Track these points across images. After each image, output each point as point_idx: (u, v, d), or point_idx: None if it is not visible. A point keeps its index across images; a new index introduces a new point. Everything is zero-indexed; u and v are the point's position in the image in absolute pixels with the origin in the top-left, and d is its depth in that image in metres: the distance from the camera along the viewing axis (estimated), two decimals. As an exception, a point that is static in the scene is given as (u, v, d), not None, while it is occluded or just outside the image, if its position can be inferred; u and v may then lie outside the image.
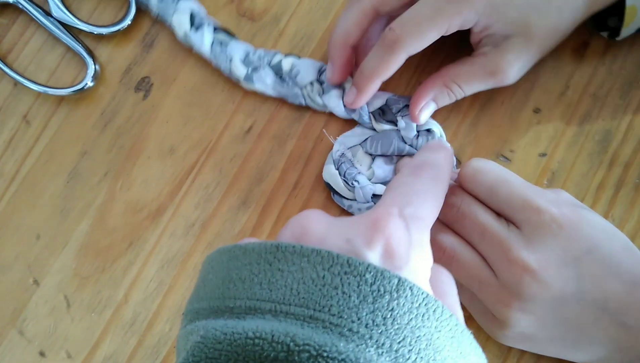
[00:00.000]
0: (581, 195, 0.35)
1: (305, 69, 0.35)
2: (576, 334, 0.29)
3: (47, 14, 0.36)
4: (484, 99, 0.36)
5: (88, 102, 0.36)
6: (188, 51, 0.37)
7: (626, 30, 0.34)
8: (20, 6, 0.36)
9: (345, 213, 0.35)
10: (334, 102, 0.35)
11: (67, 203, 0.36)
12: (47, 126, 0.36)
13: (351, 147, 0.35)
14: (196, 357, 0.19)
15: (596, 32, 0.36)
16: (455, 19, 0.30)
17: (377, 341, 0.19)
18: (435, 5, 0.30)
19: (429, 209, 0.25)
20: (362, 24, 0.33)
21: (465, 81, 0.33)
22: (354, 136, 0.35)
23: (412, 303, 0.20)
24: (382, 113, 0.35)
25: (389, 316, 0.19)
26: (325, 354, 0.18)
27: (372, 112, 0.35)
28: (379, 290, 0.20)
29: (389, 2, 0.32)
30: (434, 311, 0.20)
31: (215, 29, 0.35)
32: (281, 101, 0.36)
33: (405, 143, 0.34)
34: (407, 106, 0.35)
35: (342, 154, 0.35)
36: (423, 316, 0.20)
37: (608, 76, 0.36)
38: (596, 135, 0.36)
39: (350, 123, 0.36)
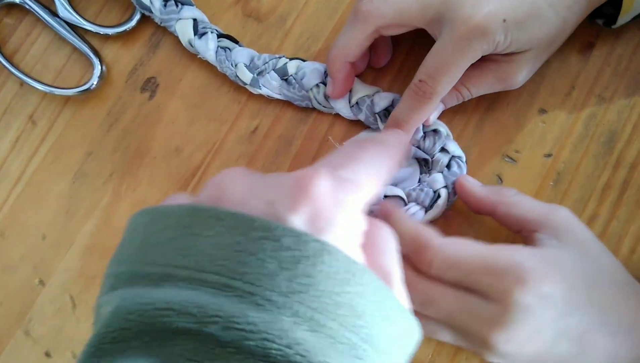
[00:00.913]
0: (587, 196, 0.35)
1: (311, 72, 0.35)
2: None
3: (54, 14, 0.36)
4: (490, 100, 0.36)
5: (94, 103, 0.36)
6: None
7: (622, 19, 0.34)
8: (27, 6, 0.36)
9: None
10: (340, 103, 0.35)
11: (72, 203, 0.36)
12: (53, 126, 0.36)
13: None
14: (109, 328, 0.19)
15: (596, 26, 0.36)
16: (475, 56, 0.31)
17: (293, 309, 0.18)
18: (457, 50, 0.30)
19: (367, 177, 0.23)
20: (363, 45, 0.33)
21: (474, 85, 0.34)
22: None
23: (333, 268, 0.19)
24: (388, 114, 0.35)
25: (307, 283, 0.18)
26: (235, 325, 0.18)
27: (377, 113, 0.35)
28: (297, 256, 0.19)
29: (394, 28, 0.32)
30: (357, 276, 0.19)
31: (219, 36, 0.35)
32: (286, 102, 0.36)
33: (412, 144, 0.34)
34: None
35: None
36: (344, 282, 0.19)
37: (613, 77, 0.36)
38: (602, 136, 0.36)
39: (356, 124, 0.36)
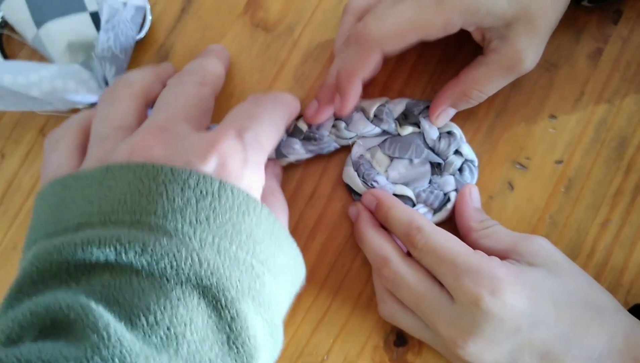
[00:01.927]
0: (598, 202, 0.35)
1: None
2: None
3: (63, 27, 0.36)
4: (500, 107, 0.36)
5: (104, 115, 0.36)
6: (203, 62, 0.37)
7: None
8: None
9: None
10: (362, 125, 0.35)
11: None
12: (64, 139, 0.36)
13: (370, 148, 0.35)
14: (27, 270, 0.21)
15: (605, 31, 0.36)
16: (437, 22, 0.29)
17: (199, 236, 0.21)
18: (415, 8, 0.29)
19: (266, 134, 0.26)
20: (363, 68, 0.31)
21: (484, 85, 0.33)
22: (374, 137, 0.35)
23: (233, 202, 0.22)
24: (405, 117, 0.35)
25: (211, 214, 0.22)
26: (149, 249, 0.20)
27: (396, 119, 0.35)
28: (201, 192, 0.22)
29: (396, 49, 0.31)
30: (254, 209, 0.23)
31: None
32: (296, 110, 0.36)
33: (427, 145, 0.35)
34: (427, 107, 0.35)
35: (361, 156, 0.35)
36: (244, 213, 0.22)
37: (623, 82, 0.36)
38: (612, 141, 0.36)
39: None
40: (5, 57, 0.35)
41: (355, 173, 0.35)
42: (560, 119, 0.36)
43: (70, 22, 0.33)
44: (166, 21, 0.37)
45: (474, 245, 0.32)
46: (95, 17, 0.33)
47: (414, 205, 0.34)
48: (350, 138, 0.35)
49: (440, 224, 0.34)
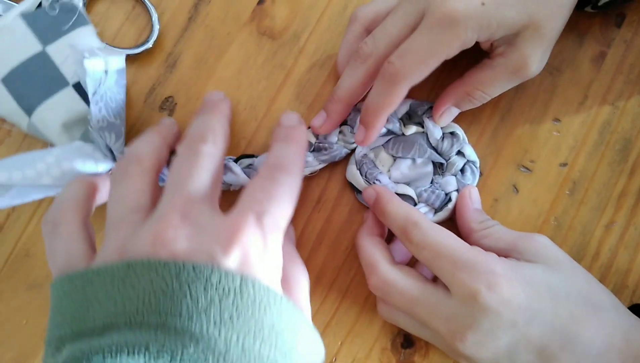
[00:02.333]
0: (603, 204, 0.35)
1: None
2: None
3: (72, 37, 0.37)
4: (504, 110, 0.37)
5: (114, 123, 0.37)
6: (210, 70, 0.37)
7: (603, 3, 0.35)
8: (46, 31, 0.37)
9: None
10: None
11: (95, 221, 0.36)
12: (75, 147, 0.37)
13: (374, 148, 0.36)
14: None
15: (608, 35, 0.37)
16: (453, 44, 0.30)
17: (225, 336, 0.21)
18: (430, 36, 0.29)
19: (283, 214, 0.26)
20: (368, 85, 0.33)
21: (489, 87, 0.33)
22: (379, 136, 0.36)
23: (255, 297, 0.22)
24: (409, 117, 0.36)
25: (234, 312, 0.22)
26: (178, 358, 0.20)
27: (400, 118, 0.35)
28: (224, 290, 0.22)
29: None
30: (274, 301, 0.23)
31: (236, 160, 0.35)
32: (302, 117, 0.37)
33: (431, 145, 0.35)
34: (431, 108, 0.35)
35: (365, 155, 0.36)
36: (265, 307, 0.23)
37: (626, 85, 0.36)
38: (616, 144, 0.36)
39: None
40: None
41: (358, 172, 0.35)
42: (564, 122, 0.36)
43: (59, 101, 0.33)
44: (173, 30, 0.38)
45: (475, 246, 0.32)
46: (79, 88, 0.33)
47: (415, 204, 0.35)
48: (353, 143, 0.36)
49: (442, 224, 0.34)
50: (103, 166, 0.32)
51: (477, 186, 0.35)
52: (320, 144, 0.35)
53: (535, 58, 0.31)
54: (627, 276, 0.35)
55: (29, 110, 0.33)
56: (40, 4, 0.33)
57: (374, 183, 0.35)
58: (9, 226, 0.36)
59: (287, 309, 0.24)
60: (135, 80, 0.38)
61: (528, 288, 0.29)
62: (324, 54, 0.38)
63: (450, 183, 0.35)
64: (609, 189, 0.36)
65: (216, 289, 0.22)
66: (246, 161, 0.35)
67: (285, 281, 0.27)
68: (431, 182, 0.35)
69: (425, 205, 0.35)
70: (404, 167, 0.35)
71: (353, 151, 0.36)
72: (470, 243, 0.32)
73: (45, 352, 0.24)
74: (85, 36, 0.34)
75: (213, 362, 0.21)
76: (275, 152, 0.29)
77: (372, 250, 0.32)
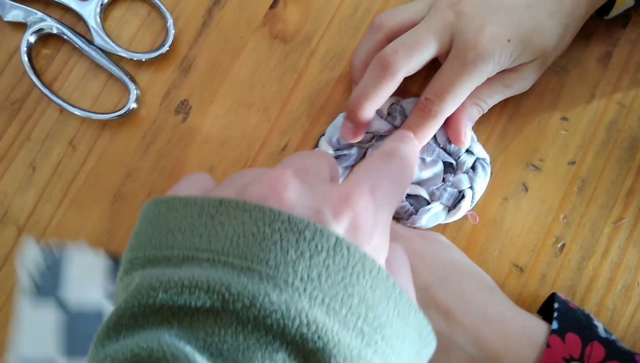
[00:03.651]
0: (611, 202, 0.36)
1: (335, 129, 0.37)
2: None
3: (90, 42, 0.38)
4: (512, 110, 0.37)
5: (130, 126, 0.38)
6: (224, 73, 0.38)
7: (615, 12, 0.36)
8: (64, 36, 0.38)
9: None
10: (376, 122, 0.36)
11: (113, 224, 0.37)
12: (92, 149, 0.38)
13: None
14: (129, 303, 0.20)
15: (614, 35, 0.37)
16: (482, 78, 0.33)
17: (310, 294, 0.20)
18: (464, 74, 0.32)
19: (395, 196, 0.26)
20: (391, 93, 0.34)
21: (488, 96, 0.35)
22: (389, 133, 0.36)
23: (348, 261, 0.21)
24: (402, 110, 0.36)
25: (323, 272, 0.20)
26: (258, 304, 0.19)
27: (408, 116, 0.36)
28: (316, 247, 0.20)
29: (417, 67, 0.33)
30: (370, 271, 0.21)
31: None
32: (314, 119, 0.38)
33: (439, 145, 0.36)
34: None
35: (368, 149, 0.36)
36: (358, 274, 0.21)
37: (632, 83, 0.37)
38: (623, 142, 0.37)
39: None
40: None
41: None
42: (571, 121, 0.37)
43: None
44: (188, 34, 0.39)
45: None
46: None
47: (428, 204, 0.35)
48: (370, 141, 0.36)
49: (454, 223, 0.35)
50: None
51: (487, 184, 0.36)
52: (339, 153, 0.36)
53: (531, 79, 0.35)
54: (637, 273, 0.35)
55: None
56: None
57: None
58: (29, 228, 0.37)
59: (384, 282, 0.22)
60: (151, 84, 0.38)
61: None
62: (335, 57, 0.38)
63: (463, 180, 0.35)
64: (617, 187, 0.36)
65: (308, 244, 0.20)
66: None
67: (387, 261, 0.25)
68: (442, 181, 0.36)
69: (439, 203, 0.35)
70: None
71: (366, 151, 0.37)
72: None
73: (118, 275, 0.23)
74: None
75: (294, 315, 0.19)
76: (390, 143, 0.28)
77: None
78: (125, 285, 0.22)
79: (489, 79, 0.34)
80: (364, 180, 0.24)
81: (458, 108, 0.35)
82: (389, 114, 0.36)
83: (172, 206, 0.22)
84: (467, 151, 0.36)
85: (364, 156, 0.37)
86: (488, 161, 0.36)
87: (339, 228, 0.22)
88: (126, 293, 0.21)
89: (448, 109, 0.33)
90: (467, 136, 0.35)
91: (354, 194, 0.23)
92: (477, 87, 0.34)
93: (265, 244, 0.20)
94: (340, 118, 0.36)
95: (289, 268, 0.20)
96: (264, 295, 0.19)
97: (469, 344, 0.30)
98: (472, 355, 0.30)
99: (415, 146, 0.29)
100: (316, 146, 0.37)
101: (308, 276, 0.20)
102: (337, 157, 0.36)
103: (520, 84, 0.35)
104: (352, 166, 0.36)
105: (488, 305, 0.32)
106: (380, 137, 0.36)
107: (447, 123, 0.35)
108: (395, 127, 0.36)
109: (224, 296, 0.19)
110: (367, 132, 0.36)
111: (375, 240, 0.23)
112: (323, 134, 0.37)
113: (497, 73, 0.34)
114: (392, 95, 0.36)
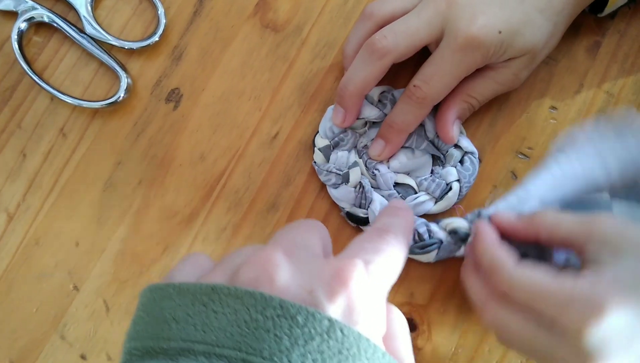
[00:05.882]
0: (600, 189, 0.36)
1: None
2: None
3: (81, 31, 0.38)
4: (502, 99, 0.37)
5: (121, 114, 0.38)
6: (215, 62, 0.38)
7: (609, 9, 0.36)
8: (55, 25, 0.38)
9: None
10: (367, 109, 0.36)
11: (103, 211, 0.37)
12: (83, 138, 0.38)
13: (374, 139, 0.37)
14: None
15: (603, 25, 0.38)
16: (471, 68, 0.33)
17: None
18: (453, 61, 0.32)
19: (391, 269, 0.25)
20: (380, 78, 0.34)
21: (479, 93, 0.35)
22: (380, 121, 0.37)
23: (343, 344, 0.20)
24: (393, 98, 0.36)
25: (319, 358, 0.20)
26: None
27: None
28: (310, 332, 0.20)
29: (407, 54, 0.33)
30: (366, 352, 0.21)
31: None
32: (305, 108, 0.38)
33: (428, 138, 0.36)
34: None
35: (365, 146, 0.36)
36: (354, 357, 0.20)
37: (620, 73, 0.37)
38: (612, 131, 0.37)
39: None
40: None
41: (361, 160, 0.36)
42: (560, 110, 0.37)
43: None
44: (179, 24, 0.39)
45: (550, 241, 0.30)
46: None
47: (415, 193, 0.35)
48: (363, 128, 0.36)
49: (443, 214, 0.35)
50: None
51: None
52: (336, 139, 0.36)
53: (522, 75, 0.35)
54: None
55: None
56: None
57: (372, 172, 0.36)
58: (19, 216, 0.37)
59: (379, 361, 0.21)
60: (142, 73, 0.38)
61: (625, 304, 0.26)
62: (326, 46, 0.39)
63: (451, 173, 0.35)
64: (605, 175, 0.36)
65: (301, 329, 0.20)
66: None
67: (385, 334, 0.25)
68: (431, 172, 0.36)
69: (426, 194, 0.35)
70: (402, 157, 0.36)
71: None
72: (544, 242, 0.30)
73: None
74: None
75: None
76: (383, 219, 0.28)
77: (496, 248, 0.30)
78: None
79: (479, 76, 0.34)
80: (358, 255, 0.24)
81: (448, 105, 0.35)
82: (379, 101, 0.36)
83: (166, 294, 0.22)
84: (456, 145, 0.36)
85: (364, 150, 0.37)
86: (476, 155, 0.36)
87: (333, 307, 0.21)
88: None
89: (435, 96, 0.33)
90: (455, 134, 0.35)
91: (346, 269, 0.22)
92: (468, 84, 0.35)
93: (258, 333, 0.20)
94: (329, 111, 0.36)
95: (283, 358, 0.20)
96: None
97: None
98: None
99: (409, 219, 0.28)
100: (313, 145, 0.37)
101: None
102: (336, 144, 0.36)
103: (511, 81, 0.35)
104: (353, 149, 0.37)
105: None
106: (373, 124, 0.36)
107: (437, 119, 0.35)
108: (385, 115, 0.36)
109: None
110: (358, 119, 0.36)
111: (371, 315, 0.22)
112: (317, 133, 0.37)
113: (488, 69, 0.34)
114: (384, 85, 0.37)
